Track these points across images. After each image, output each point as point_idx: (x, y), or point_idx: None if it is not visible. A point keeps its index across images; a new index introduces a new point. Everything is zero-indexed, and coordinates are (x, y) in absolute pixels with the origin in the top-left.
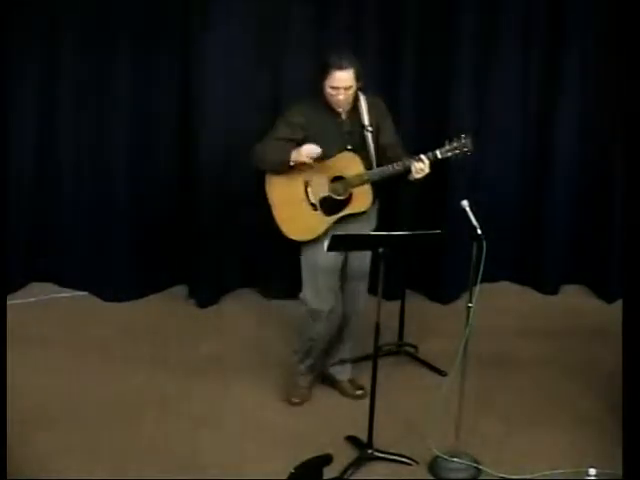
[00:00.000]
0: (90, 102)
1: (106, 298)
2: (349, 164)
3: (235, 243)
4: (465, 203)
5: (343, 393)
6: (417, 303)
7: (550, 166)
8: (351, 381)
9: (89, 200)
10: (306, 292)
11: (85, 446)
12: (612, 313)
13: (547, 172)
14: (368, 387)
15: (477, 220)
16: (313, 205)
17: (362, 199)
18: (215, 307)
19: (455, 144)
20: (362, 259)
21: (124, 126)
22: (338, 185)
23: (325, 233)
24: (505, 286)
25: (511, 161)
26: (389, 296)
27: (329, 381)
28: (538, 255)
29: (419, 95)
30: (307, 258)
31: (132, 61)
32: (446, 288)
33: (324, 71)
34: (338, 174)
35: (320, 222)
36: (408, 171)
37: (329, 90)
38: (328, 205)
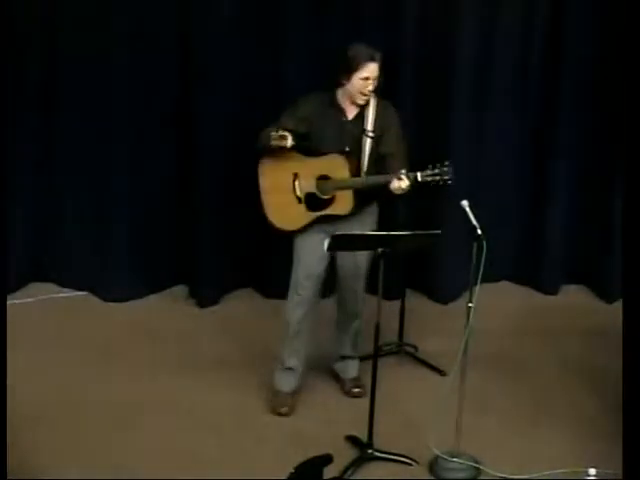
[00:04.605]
0: (89, 102)
1: (106, 298)
2: (336, 166)
3: (235, 243)
4: (465, 203)
5: (342, 390)
6: (417, 303)
7: (550, 166)
8: (352, 379)
9: (89, 200)
10: (292, 276)
11: (85, 446)
12: (612, 313)
13: (547, 172)
14: (368, 386)
15: (477, 220)
16: (298, 198)
17: (343, 203)
18: (215, 307)
19: (437, 170)
20: (355, 257)
21: (124, 126)
22: (324, 184)
23: (305, 227)
24: (505, 286)
25: (511, 161)
26: (389, 296)
27: (333, 376)
28: (538, 255)
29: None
30: (296, 248)
31: (130, 61)
32: (446, 288)
33: (354, 63)
34: (325, 173)
35: (302, 215)
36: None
37: (359, 82)
38: (312, 201)
